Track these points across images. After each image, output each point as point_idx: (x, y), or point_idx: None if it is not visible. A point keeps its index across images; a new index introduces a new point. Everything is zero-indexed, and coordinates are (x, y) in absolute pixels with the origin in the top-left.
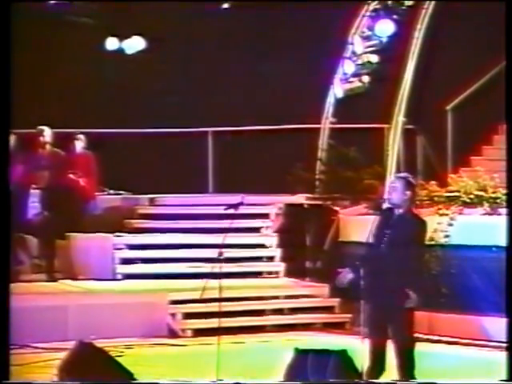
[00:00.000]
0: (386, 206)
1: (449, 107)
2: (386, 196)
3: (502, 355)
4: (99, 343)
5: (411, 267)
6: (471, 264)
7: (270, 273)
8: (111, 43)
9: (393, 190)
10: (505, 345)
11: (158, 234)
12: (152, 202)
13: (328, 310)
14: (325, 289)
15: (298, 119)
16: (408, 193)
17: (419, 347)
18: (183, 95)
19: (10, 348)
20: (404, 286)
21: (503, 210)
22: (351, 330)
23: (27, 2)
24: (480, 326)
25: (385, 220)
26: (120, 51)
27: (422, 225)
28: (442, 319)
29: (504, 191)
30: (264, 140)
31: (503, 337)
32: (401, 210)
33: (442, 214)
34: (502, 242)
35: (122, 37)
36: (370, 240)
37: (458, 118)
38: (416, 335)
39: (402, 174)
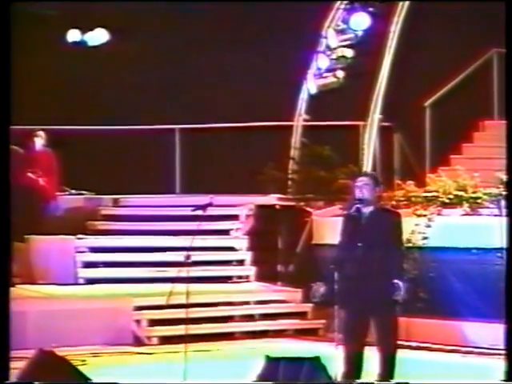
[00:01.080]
0: (354, 206)
1: (427, 104)
2: (356, 194)
3: (484, 362)
4: (60, 351)
5: (392, 265)
6: (450, 267)
7: (239, 277)
8: (73, 35)
9: (363, 187)
10: (487, 351)
11: (123, 237)
12: (116, 203)
13: (300, 315)
14: (297, 294)
15: (270, 116)
16: (378, 189)
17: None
18: (149, 91)
19: (10, 348)
20: (385, 287)
21: (484, 211)
22: (325, 336)
23: (28, 2)
24: (460, 332)
25: (357, 220)
26: (82, 44)
27: (397, 217)
28: (419, 325)
29: (485, 191)
30: (234, 138)
31: (485, 343)
32: (371, 208)
33: (419, 215)
34: (483, 243)
35: (85, 29)
36: (344, 242)
37: (437, 115)
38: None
39: (369, 171)
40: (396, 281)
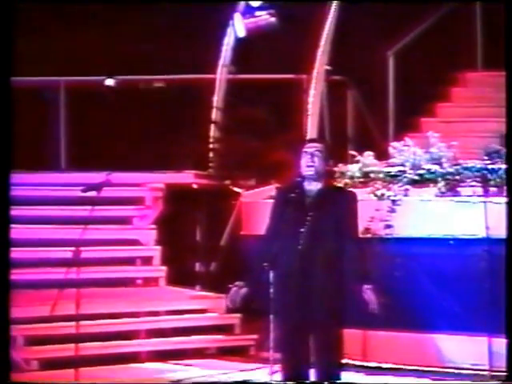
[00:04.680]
0: (295, 182)
1: (391, 52)
2: (305, 163)
3: None
4: None
5: (349, 262)
6: (421, 264)
7: (146, 280)
8: None
9: (315, 154)
10: (468, 372)
11: None
12: None
13: (225, 329)
14: (221, 301)
15: (184, 68)
16: (331, 162)
17: (350, 377)
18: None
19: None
20: (335, 289)
21: (465, 190)
22: (257, 356)
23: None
24: (433, 349)
25: (299, 200)
26: None
27: (352, 198)
28: (380, 340)
29: (466, 164)
30: (138, 96)
31: (464, 362)
32: (319, 185)
33: (380, 197)
34: (464, 232)
35: None
36: (281, 229)
37: (404, 66)
38: (345, 361)
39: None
40: (367, 286)
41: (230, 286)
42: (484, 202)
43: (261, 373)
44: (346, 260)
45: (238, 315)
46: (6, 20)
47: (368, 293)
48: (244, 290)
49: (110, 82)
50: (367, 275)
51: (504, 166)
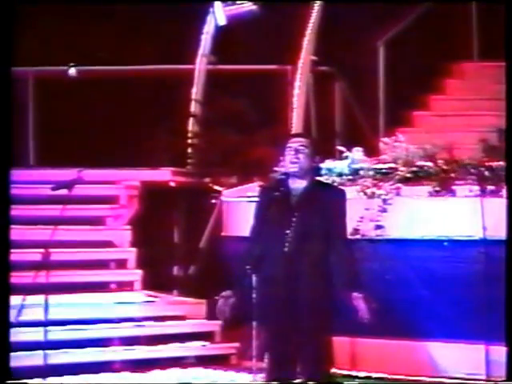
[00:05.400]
0: (279, 179)
1: (381, 41)
2: (289, 160)
3: None
4: None
5: (337, 266)
6: (414, 266)
7: (120, 284)
8: None
9: (300, 150)
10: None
11: None
12: None
13: (206, 337)
14: (200, 307)
15: (161, 57)
16: (318, 158)
17: None
18: None
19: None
20: (323, 294)
21: (460, 189)
22: (239, 365)
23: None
24: (426, 357)
25: (285, 199)
26: None
27: (341, 196)
28: (370, 348)
29: (462, 161)
30: (113, 88)
31: (459, 371)
32: (305, 183)
33: (371, 196)
34: (459, 233)
35: None
36: (265, 231)
37: (395, 56)
38: (334, 370)
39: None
40: (356, 294)
41: (217, 297)
42: (481, 201)
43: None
44: (333, 263)
45: (219, 322)
46: None
47: (358, 300)
48: (232, 300)
49: (73, 71)
50: (356, 280)
51: (502, 163)
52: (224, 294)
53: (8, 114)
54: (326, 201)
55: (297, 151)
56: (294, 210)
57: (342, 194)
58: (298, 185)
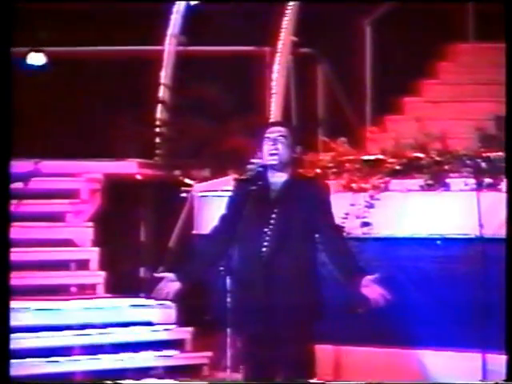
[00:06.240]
0: (256, 172)
1: (368, 21)
2: (265, 154)
3: None
4: None
5: (334, 255)
6: (404, 267)
7: (81, 287)
8: None
9: (279, 140)
10: None
11: None
12: None
13: (175, 345)
14: (169, 312)
15: (127, 38)
16: (299, 149)
17: None
18: None
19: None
20: (305, 299)
21: (455, 182)
22: (212, 376)
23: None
24: (418, 366)
25: (263, 194)
26: None
27: (325, 190)
28: (356, 356)
29: (457, 152)
30: (72, 71)
31: (456, 380)
32: (285, 176)
33: (357, 190)
34: (453, 231)
35: None
36: (240, 228)
37: (383, 37)
38: (315, 381)
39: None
40: (369, 277)
41: (157, 274)
42: (477, 195)
43: None
44: (332, 255)
45: (190, 329)
46: None
47: (371, 285)
48: (176, 285)
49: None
50: (361, 266)
51: (501, 154)
52: (167, 275)
53: None
54: (309, 196)
55: (276, 141)
56: (274, 206)
57: (326, 187)
58: (278, 178)
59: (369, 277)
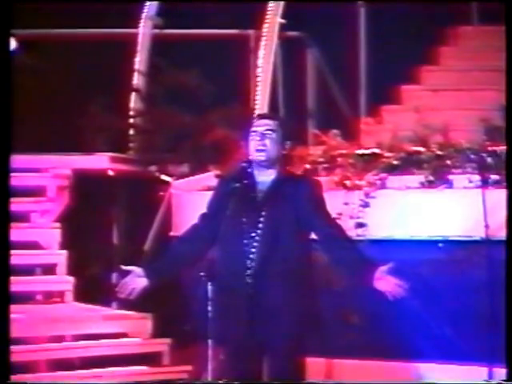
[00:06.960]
0: (241, 169)
1: (362, 2)
2: (251, 149)
3: None
4: None
5: (339, 250)
6: (402, 272)
7: (47, 295)
8: None
9: (267, 134)
10: None
11: None
12: None
13: (151, 359)
14: (145, 322)
15: (97, 20)
16: (288, 144)
17: None
18: None
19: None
20: (295, 308)
21: (457, 179)
22: None
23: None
24: (415, 380)
25: (249, 193)
26: None
27: (317, 188)
28: (349, 369)
29: (460, 145)
30: (37, 54)
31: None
32: (274, 173)
33: (351, 188)
34: (456, 232)
35: None
36: (223, 234)
37: (378, 18)
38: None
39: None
40: (382, 267)
41: (123, 267)
42: (482, 193)
43: None
44: (334, 254)
45: (167, 340)
46: None
47: (385, 276)
48: (143, 282)
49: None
50: (370, 259)
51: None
52: (133, 269)
53: None
54: (300, 195)
55: (263, 136)
56: (261, 208)
57: (318, 184)
58: (265, 177)
59: (382, 268)
